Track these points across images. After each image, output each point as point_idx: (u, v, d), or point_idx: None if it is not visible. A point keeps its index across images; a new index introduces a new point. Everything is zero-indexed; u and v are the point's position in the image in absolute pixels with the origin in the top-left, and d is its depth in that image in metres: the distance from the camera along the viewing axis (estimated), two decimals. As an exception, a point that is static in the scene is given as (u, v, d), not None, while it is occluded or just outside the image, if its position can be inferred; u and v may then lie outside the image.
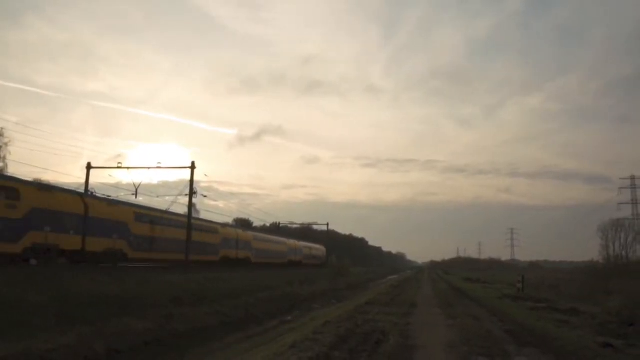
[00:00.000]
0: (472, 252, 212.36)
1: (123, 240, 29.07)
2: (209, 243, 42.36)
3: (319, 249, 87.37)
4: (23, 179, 23.83)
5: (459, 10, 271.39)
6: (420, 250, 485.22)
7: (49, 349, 11.38)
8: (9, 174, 27.28)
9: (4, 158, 41.56)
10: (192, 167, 36.65)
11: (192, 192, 36.88)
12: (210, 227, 43.54)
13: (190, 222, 37.35)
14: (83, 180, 35.95)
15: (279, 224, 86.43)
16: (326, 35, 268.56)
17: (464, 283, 52.48)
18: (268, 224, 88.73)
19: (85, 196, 28.52)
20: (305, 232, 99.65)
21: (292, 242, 71.09)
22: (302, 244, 76.58)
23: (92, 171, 36.41)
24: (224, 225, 50.44)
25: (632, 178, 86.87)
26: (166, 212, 37.15)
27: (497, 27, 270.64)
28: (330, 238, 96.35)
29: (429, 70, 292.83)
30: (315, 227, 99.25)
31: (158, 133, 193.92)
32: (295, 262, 68.22)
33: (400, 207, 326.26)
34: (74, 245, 24.17)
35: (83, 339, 12.66)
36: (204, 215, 48.56)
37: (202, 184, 71.94)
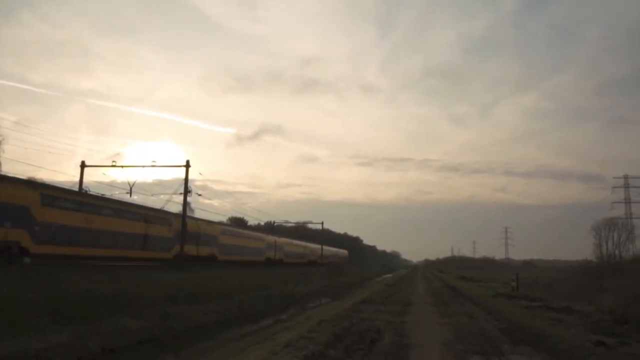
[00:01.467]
0: (466, 251, 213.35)
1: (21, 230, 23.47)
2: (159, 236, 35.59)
3: (343, 252, 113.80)
4: None
5: (453, 9, 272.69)
6: (415, 249, 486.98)
7: (44, 348, 11.33)
8: (2, 173, 26.84)
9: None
10: (187, 165, 36.65)
11: (186, 191, 36.87)
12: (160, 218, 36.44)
13: (184, 220, 37.30)
14: (77, 179, 35.92)
15: (274, 222, 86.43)
16: (322, 34, 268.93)
17: (458, 281, 52.62)
18: (262, 223, 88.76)
19: None
20: (300, 231, 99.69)
21: (326, 247, 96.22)
22: (328, 248, 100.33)
23: (86, 170, 36.37)
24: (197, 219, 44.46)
25: (626, 177, 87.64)
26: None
27: (491, 26, 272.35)
28: (325, 237, 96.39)
29: (424, 69, 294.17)
30: (310, 225, 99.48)
31: (153, 131, 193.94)
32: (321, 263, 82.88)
33: (395, 206, 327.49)
34: None
35: (78, 337, 12.61)
36: (198, 214, 48.53)
37: (197, 183, 71.89)
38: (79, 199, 29.34)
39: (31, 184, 25.35)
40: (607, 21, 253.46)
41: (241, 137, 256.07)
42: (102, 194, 33.31)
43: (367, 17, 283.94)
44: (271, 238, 63.72)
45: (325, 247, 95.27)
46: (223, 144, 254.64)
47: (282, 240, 70.36)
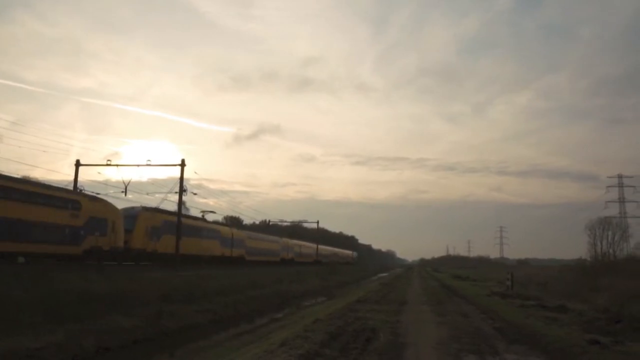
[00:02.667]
0: (461, 250, 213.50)
1: None
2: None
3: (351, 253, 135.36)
4: None
5: (448, 9, 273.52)
6: (410, 248, 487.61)
7: (38, 347, 11.28)
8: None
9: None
10: (182, 164, 36.52)
11: (182, 190, 36.75)
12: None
13: (179, 220, 37.20)
14: (72, 178, 35.75)
15: (269, 221, 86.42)
16: (317, 32, 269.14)
17: (453, 281, 52.75)
18: (258, 222, 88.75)
19: None
20: (296, 230, 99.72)
21: (338, 250, 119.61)
22: (339, 250, 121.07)
23: (81, 169, 36.20)
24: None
25: (620, 176, 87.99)
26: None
27: (486, 25, 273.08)
28: (320, 236, 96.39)
29: (419, 68, 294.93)
30: (305, 224, 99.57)
31: (148, 130, 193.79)
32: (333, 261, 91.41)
33: (390, 205, 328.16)
34: None
35: (72, 336, 12.57)
36: (193, 212, 48.54)
37: (192, 182, 71.74)
38: None
39: None
40: (601, 20, 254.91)
41: (237, 136, 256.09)
42: None
43: (361, 16, 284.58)
44: (284, 240, 73.13)
45: (337, 249, 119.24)
46: (218, 143, 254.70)
47: (293, 242, 78.59)
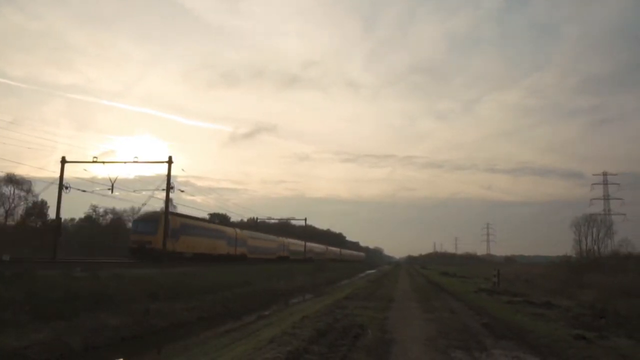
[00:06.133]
0: (448, 247, 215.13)
1: None
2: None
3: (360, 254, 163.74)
4: None
5: (437, 6, 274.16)
6: (398, 245, 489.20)
7: (23, 346, 11.15)
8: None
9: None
10: (170, 161, 36.31)
11: (169, 187, 36.53)
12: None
13: (167, 216, 36.99)
14: (57, 175, 35.39)
15: (257, 219, 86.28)
16: (305, 29, 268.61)
17: (440, 277, 52.98)
18: (246, 219, 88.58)
19: None
20: (284, 227, 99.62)
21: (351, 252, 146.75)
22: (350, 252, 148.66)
23: (68, 166, 35.84)
24: None
25: (605, 174, 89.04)
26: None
27: (475, 23, 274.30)
28: (308, 233, 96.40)
29: (408, 65, 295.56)
30: (293, 222, 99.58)
31: (135, 127, 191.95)
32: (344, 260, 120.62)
33: (378, 203, 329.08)
34: None
35: (58, 335, 12.43)
36: (180, 209, 48.27)
37: (180, 179, 71.52)
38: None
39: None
40: (588, 19, 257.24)
41: (225, 133, 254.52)
42: None
43: (351, 13, 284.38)
44: (281, 239, 77.53)
45: (346, 250, 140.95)
46: (207, 140, 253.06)
47: (288, 240, 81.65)
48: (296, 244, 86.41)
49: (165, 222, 36.71)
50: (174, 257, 38.20)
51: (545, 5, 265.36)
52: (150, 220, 38.73)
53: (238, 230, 58.66)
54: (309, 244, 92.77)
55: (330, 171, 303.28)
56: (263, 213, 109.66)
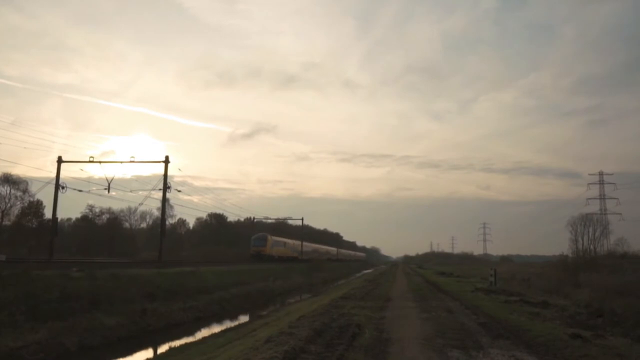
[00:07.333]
0: (445, 247, 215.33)
1: None
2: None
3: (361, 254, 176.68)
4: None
5: (434, 6, 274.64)
6: (395, 245, 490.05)
7: (19, 346, 11.13)
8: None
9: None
10: (166, 161, 36.21)
11: (165, 187, 36.44)
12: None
13: (163, 218, 36.94)
14: (54, 174, 35.28)
15: (254, 218, 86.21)
16: (302, 29, 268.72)
17: (437, 277, 53.00)
18: (242, 219, 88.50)
19: None
20: (280, 227, 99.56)
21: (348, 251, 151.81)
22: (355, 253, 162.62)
23: (64, 165, 35.73)
24: None
25: (601, 174, 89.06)
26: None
27: (471, 23, 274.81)
28: (304, 233, 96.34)
29: (404, 65, 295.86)
30: (290, 221, 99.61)
31: (132, 126, 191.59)
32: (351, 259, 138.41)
33: (375, 202, 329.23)
34: None
35: (54, 335, 12.41)
36: (177, 209, 48.11)
37: (176, 179, 71.53)
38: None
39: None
40: (584, 20, 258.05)
41: (222, 133, 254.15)
42: None
43: (347, 12, 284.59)
44: (294, 241, 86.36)
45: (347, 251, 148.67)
46: (204, 140, 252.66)
47: (298, 242, 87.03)
48: (306, 245, 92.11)
49: (162, 224, 36.64)
50: (272, 259, 61.84)
51: (542, 5, 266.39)
52: (261, 238, 65.76)
53: (295, 241, 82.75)
54: (313, 245, 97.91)
55: (327, 171, 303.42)
56: (260, 213, 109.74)
